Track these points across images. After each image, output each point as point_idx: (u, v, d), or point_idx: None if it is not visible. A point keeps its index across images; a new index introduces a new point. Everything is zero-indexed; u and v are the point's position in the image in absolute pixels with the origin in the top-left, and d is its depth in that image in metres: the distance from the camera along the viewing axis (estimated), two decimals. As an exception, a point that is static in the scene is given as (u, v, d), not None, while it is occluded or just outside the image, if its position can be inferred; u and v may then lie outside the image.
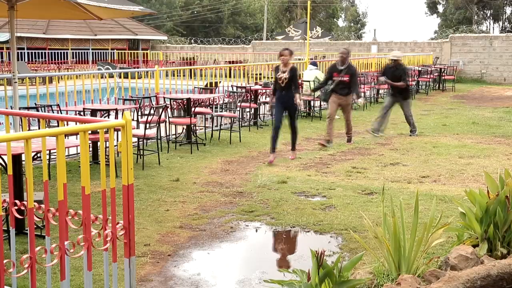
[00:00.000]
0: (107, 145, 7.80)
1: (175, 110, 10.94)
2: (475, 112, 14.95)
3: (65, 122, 4.08)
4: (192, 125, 10.16)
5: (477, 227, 4.21)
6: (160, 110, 9.02)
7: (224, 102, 11.90)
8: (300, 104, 8.87)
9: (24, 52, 27.21)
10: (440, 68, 21.75)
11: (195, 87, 12.55)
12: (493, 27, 55.85)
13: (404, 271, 3.74)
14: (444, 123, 12.85)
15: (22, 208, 3.39)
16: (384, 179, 7.49)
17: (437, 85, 21.53)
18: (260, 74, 18.62)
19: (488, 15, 55.70)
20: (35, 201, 3.16)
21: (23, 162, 5.16)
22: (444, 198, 6.42)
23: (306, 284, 3.36)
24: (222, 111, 11.66)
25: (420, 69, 20.47)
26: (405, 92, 11.11)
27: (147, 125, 8.24)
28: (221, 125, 11.44)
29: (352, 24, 61.21)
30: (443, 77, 21.59)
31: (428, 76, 20.37)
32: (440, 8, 56.70)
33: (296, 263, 4.78)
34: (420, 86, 20.40)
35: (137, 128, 8.79)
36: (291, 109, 8.83)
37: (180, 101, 10.18)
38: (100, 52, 31.07)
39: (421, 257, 3.92)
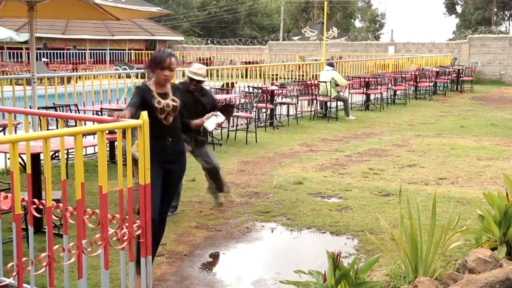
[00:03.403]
0: (124, 145, 7.84)
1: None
2: (494, 113, 14.79)
3: (83, 122, 4.12)
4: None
5: (496, 230, 4.16)
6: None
7: (241, 102, 11.91)
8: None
9: (43, 52, 27.48)
10: (458, 69, 21.55)
11: (211, 88, 12.57)
12: (513, 28, 55.25)
13: (421, 274, 3.71)
14: (462, 124, 12.72)
15: (41, 207, 3.43)
16: (401, 180, 7.44)
17: (455, 86, 21.33)
18: (277, 74, 18.61)
19: (508, 15, 55.07)
20: (53, 200, 3.19)
21: (41, 161, 5.21)
22: (462, 200, 6.36)
23: (322, 285, 3.35)
24: (238, 112, 11.66)
25: (438, 70, 20.34)
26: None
27: (164, 125, 8.25)
28: (237, 125, 11.44)
29: (370, 25, 60.90)
30: (461, 78, 21.38)
31: (446, 77, 20.21)
32: (459, 9, 56.21)
33: (312, 264, 4.76)
34: (438, 87, 20.26)
35: (154, 128, 8.80)
36: (178, 176, 4.44)
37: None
38: (118, 53, 31.24)
39: (438, 260, 3.88)
